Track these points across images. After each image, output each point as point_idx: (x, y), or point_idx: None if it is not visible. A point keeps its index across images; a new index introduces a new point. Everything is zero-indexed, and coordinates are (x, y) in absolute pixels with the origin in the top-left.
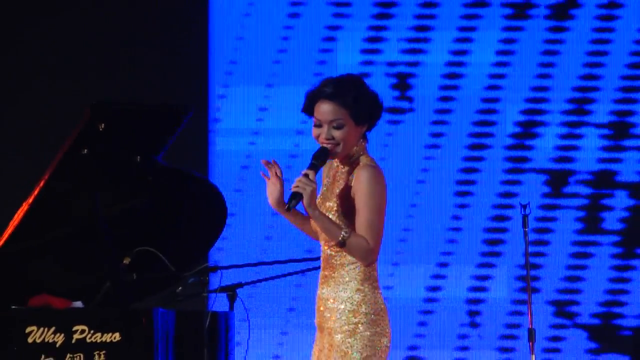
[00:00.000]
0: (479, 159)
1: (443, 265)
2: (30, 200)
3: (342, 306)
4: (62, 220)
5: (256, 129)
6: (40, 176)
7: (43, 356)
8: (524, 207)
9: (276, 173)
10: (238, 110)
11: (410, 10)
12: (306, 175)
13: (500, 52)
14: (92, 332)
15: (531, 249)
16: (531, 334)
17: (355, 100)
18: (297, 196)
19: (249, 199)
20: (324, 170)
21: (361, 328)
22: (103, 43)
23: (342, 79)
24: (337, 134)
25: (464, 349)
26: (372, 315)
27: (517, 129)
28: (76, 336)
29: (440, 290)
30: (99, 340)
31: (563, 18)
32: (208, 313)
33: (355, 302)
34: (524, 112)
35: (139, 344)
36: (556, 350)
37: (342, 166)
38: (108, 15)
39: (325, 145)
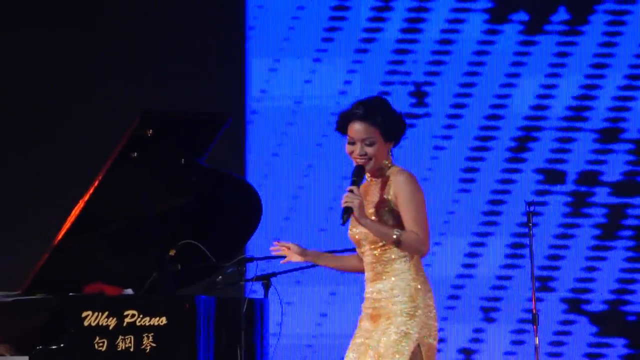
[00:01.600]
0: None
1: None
2: (86, 198)
3: (400, 293)
4: (115, 216)
5: (280, 141)
6: (94, 177)
7: (97, 338)
8: (529, 204)
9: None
10: (268, 125)
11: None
12: (351, 191)
13: (514, 64)
14: (141, 316)
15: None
16: (535, 318)
17: (384, 119)
18: (348, 210)
19: (281, 194)
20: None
21: (419, 312)
22: (151, 57)
23: (371, 101)
24: (369, 150)
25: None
26: (428, 301)
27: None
28: (127, 320)
29: (474, 267)
30: (147, 324)
31: (574, 25)
32: (245, 300)
33: (412, 290)
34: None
35: (183, 327)
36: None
37: (374, 179)
38: (157, 32)
39: (358, 160)
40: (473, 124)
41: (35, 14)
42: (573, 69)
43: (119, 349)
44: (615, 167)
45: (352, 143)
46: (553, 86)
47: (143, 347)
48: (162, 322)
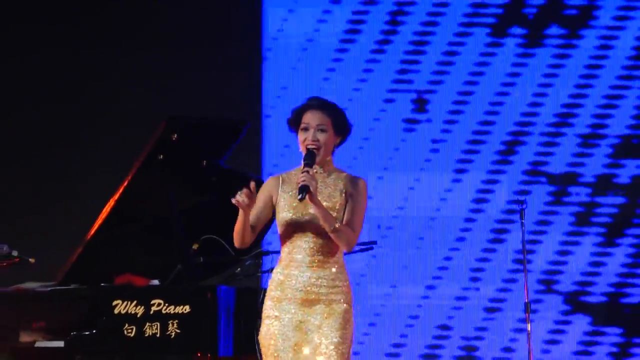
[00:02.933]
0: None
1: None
2: (116, 197)
3: (339, 283)
4: (142, 213)
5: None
6: (124, 177)
7: (126, 324)
8: (520, 202)
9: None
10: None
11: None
12: (307, 172)
13: (510, 74)
14: (166, 304)
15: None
16: (527, 306)
17: (336, 114)
18: (305, 188)
19: None
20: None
21: (352, 300)
22: (175, 67)
23: (327, 99)
24: (321, 137)
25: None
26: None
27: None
28: (154, 308)
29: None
30: (172, 312)
31: (572, 35)
32: (262, 290)
33: (345, 280)
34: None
35: (205, 315)
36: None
37: (324, 173)
38: (180, 44)
39: (311, 145)
40: (467, 129)
41: (71, 31)
42: (562, 80)
43: (146, 335)
44: (593, 169)
45: (306, 130)
46: (542, 94)
47: (168, 333)
48: (185, 310)
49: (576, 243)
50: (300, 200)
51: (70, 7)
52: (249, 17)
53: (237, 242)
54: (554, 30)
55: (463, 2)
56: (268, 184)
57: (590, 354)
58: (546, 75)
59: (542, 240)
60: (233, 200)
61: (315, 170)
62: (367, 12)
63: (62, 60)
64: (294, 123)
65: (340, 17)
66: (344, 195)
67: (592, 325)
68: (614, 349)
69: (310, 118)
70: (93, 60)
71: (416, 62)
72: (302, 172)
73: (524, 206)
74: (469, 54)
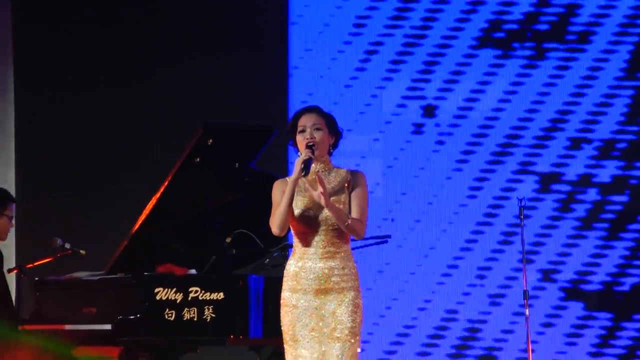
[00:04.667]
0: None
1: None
2: (158, 195)
3: (347, 271)
4: (181, 210)
5: None
6: (165, 178)
7: (167, 309)
8: (520, 200)
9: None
10: None
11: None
12: (311, 149)
13: (514, 83)
14: (203, 291)
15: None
16: (525, 294)
17: (328, 117)
18: (309, 161)
19: None
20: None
21: (360, 287)
22: (211, 78)
23: (318, 105)
24: (317, 134)
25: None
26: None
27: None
28: (191, 295)
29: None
30: (208, 298)
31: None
32: None
33: (353, 267)
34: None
35: (237, 301)
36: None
37: (325, 171)
38: (218, 58)
39: (309, 142)
40: (467, 132)
41: (115, 43)
42: (567, 88)
43: (185, 319)
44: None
45: (303, 131)
46: (540, 102)
47: (204, 317)
48: (220, 296)
49: (576, 243)
50: (305, 175)
51: (122, 24)
52: (279, 35)
53: (279, 228)
54: (554, 44)
55: (477, 20)
56: (280, 187)
57: (580, 336)
58: (558, 83)
59: (551, 235)
60: (302, 159)
61: (317, 170)
62: (389, 36)
63: (114, 69)
64: (292, 131)
65: (360, 43)
66: (346, 188)
67: (585, 310)
68: (603, 332)
69: (306, 120)
70: (141, 72)
71: (429, 72)
72: (305, 150)
73: (523, 203)
74: (480, 67)
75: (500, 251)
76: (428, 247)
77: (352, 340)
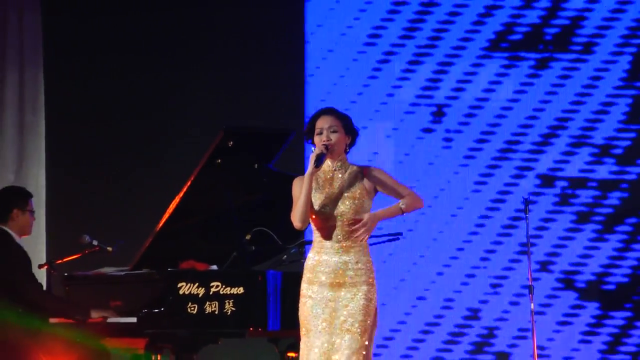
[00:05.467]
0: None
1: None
2: (181, 194)
3: (362, 265)
4: (203, 209)
5: None
6: (188, 178)
7: (190, 303)
8: (526, 203)
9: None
10: None
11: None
12: (326, 147)
13: (523, 84)
14: (223, 286)
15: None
16: (530, 289)
17: (344, 117)
18: (322, 155)
19: None
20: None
21: (375, 282)
22: (232, 84)
23: (335, 108)
24: (333, 136)
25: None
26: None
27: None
28: (212, 289)
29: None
30: (228, 292)
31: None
32: None
33: (370, 264)
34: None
35: (256, 295)
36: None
37: (342, 169)
38: (239, 66)
39: (325, 143)
40: (471, 136)
41: (141, 48)
42: (573, 92)
43: (207, 312)
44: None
45: (320, 133)
46: (541, 110)
47: (225, 310)
48: (240, 291)
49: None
50: (317, 167)
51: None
52: (297, 44)
53: (300, 222)
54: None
55: (487, 30)
56: (299, 183)
57: (570, 323)
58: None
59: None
60: (316, 152)
61: (331, 171)
62: (402, 46)
63: (140, 75)
64: (310, 132)
65: (374, 52)
66: (362, 183)
67: (578, 299)
68: (593, 321)
69: (323, 122)
70: (165, 77)
71: (439, 79)
72: (322, 144)
73: (527, 197)
74: (488, 74)
75: (500, 243)
76: (431, 239)
77: (362, 333)
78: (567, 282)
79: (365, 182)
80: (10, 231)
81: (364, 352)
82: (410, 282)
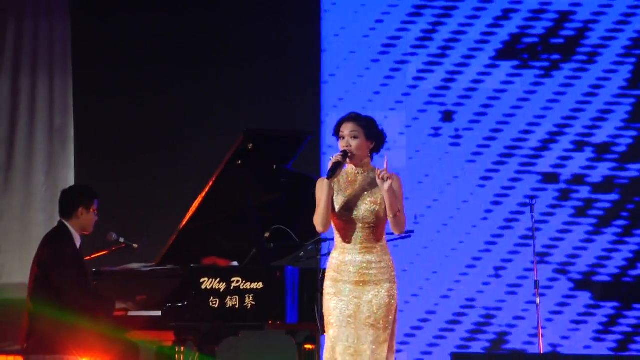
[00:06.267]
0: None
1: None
2: (203, 194)
3: (384, 265)
4: (224, 208)
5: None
6: (209, 179)
7: (211, 297)
8: (531, 198)
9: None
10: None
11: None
12: (342, 155)
13: (533, 86)
14: (244, 281)
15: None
16: (536, 284)
17: (368, 123)
18: (337, 164)
19: None
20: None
21: (396, 279)
22: (251, 89)
23: (359, 113)
24: (353, 142)
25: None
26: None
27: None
28: (233, 284)
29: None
30: (248, 287)
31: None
32: (320, 270)
33: (389, 259)
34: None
35: (275, 290)
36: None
37: (364, 173)
38: (258, 72)
39: (345, 148)
40: (479, 135)
41: (166, 56)
42: (576, 98)
43: (228, 306)
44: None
45: (343, 138)
46: (544, 115)
47: (245, 304)
48: (259, 286)
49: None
50: (329, 178)
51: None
52: (313, 52)
53: (321, 226)
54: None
55: (494, 42)
56: (321, 184)
57: (559, 313)
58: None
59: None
60: (334, 160)
61: (354, 172)
62: (413, 54)
63: (164, 80)
64: (336, 134)
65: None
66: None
67: (571, 290)
68: (585, 310)
69: (345, 128)
70: (188, 82)
71: (450, 80)
72: (340, 152)
73: (534, 202)
74: (497, 79)
75: (500, 236)
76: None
77: (385, 328)
78: (562, 271)
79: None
80: (70, 228)
81: (387, 346)
82: (412, 274)
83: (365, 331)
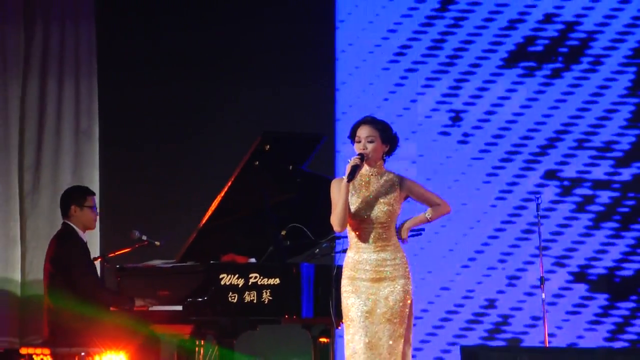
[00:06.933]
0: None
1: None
2: (222, 194)
3: (399, 261)
4: (243, 207)
5: None
6: (228, 179)
7: (230, 293)
8: (537, 197)
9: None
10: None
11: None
12: (359, 158)
13: (538, 91)
14: (261, 277)
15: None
16: (542, 280)
17: (383, 127)
18: (356, 168)
19: None
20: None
21: (410, 275)
22: (268, 93)
23: (375, 117)
24: (369, 146)
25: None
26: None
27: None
28: (251, 280)
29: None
30: (266, 283)
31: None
32: (335, 266)
33: (403, 256)
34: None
35: (291, 286)
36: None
37: (378, 175)
38: (275, 78)
39: (361, 151)
40: (484, 137)
41: (188, 61)
42: (580, 100)
43: (246, 301)
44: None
45: (359, 142)
46: (548, 116)
47: (263, 299)
48: (276, 281)
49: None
50: (349, 181)
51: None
52: (328, 58)
53: (339, 226)
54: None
55: (501, 50)
56: (336, 185)
57: (556, 304)
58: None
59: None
60: (352, 162)
61: (368, 174)
62: (423, 63)
63: (186, 85)
64: (352, 137)
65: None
66: (397, 191)
67: (568, 283)
68: (580, 301)
69: (361, 132)
70: (208, 86)
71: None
72: (355, 156)
73: (539, 201)
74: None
75: (501, 230)
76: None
77: (401, 323)
78: (559, 264)
79: (400, 191)
80: (74, 226)
81: (402, 340)
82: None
83: (383, 326)
